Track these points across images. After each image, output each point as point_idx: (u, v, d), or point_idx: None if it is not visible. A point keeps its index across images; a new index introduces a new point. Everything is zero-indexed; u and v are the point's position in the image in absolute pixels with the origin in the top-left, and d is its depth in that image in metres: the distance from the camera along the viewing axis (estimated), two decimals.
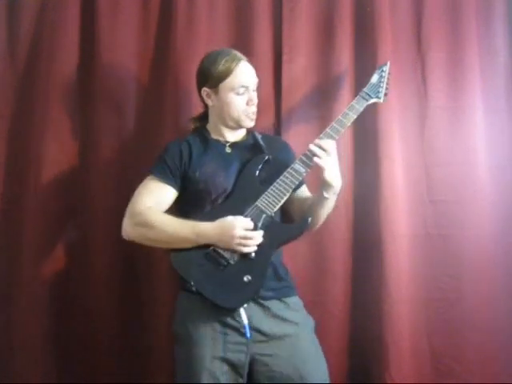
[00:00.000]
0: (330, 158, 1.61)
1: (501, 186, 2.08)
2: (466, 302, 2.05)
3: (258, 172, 1.67)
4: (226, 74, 1.66)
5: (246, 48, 2.03)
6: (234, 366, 1.60)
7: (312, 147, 1.61)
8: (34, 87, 2.10)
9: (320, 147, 1.61)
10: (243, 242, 1.56)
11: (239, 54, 1.71)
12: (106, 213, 2.03)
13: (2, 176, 2.10)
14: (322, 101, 2.06)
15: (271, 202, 1.61)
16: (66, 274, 2.08)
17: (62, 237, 2.09)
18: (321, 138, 1.65)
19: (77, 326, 2.07)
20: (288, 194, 1.63)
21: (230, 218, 1.58)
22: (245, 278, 1.57)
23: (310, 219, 1.63)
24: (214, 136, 1.76)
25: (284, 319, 1.64)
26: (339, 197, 2.00)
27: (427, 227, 2.07)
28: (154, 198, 1.66)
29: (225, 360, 1.59)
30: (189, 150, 1.71)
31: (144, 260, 2.05)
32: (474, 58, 2.07)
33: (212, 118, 1.77)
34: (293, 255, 2.01)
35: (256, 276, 1.57)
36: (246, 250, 1.56)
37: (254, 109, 1.72)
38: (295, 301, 1.71)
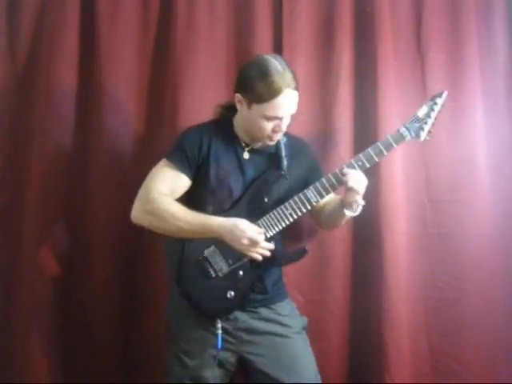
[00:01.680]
0: (364, 186, 1.58)
1: (500, 186, 2.08)
2: (466, 301, 2.05)
3: (268, 190, 1.63)
4: (266, 98, 1.53)
5: (246, 48, 2.03)
6: (220, 363, 1.61)
7: (350, 183, 1.55)
8: (34, 87, 2.09)
9: (356, 180, 1.56)
10: (251, 244, 1.54)
11: (289, 79, 1.55)
12: (105, 212, 2.03)
13: (2, 176, 2.10)
14: (323, 101, 2.05)
15: (272, 224, 1.59)
16: (66, 273, 2.08)
17: (62, 236, 2.09)
18: (348, 167, 1.59)
19: (77, 326, 2.07)
20: (292, 220, 1.60)
21: (244, 224, 1.55)
22: (228, 295, 1.58)
23: (307, 250, 1.61)
24: (237, 132, 1.69)
25: (272, 320, 1.64)
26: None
27: (427, 226, 2.08)
28: (169, 186, 1.62)
29: (212, 357, 1.60)
30: (208, 142, 1.64)
31: (144, 259, 2.06)
32: (474, 57, 2.08)
33: (239, 117, 1.68)
34: None
35: (239, 293, 1.58)
36: (251, 255, 1.55)
37: (279, 136, 1.63)
38: (283, 305, 1.70)
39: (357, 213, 1.63)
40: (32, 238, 2.05)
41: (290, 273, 1.99)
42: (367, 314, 2.04)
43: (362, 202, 1.60)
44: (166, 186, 1.62)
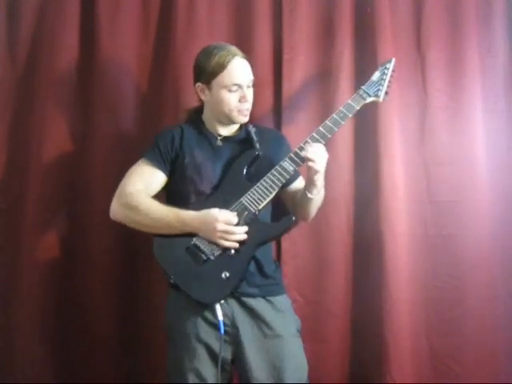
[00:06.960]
0: (324, 160, 1.61)
1: (500, 186, 2.08)
2: (466, 301, 2.05)
3: (246, 168, 1.67)
4: (219, 70, 1.63)
5: (246, 48, 2.02)
6: (218, 363, 1.60)
7: (308, 154, 1.59)
8: (34, 87, 2.10)
9: (314, 152, 1.59)
10: (224, 236, 1.56)
11: (234, 49, 1.67)
12: (105, 211, 2.02)
13: (2, 175, 2.10)
14: (323, 100, 2.06)
15: (256, 199, 1.61)
16: (66, 273, 2.08)
17: (62, 235, 2.09)
18: (313, 137, 1.64)
19: (77, 326, 2.07)
20: (274, 192, 1.63)
21: (214, 211, 1.58)
22: (222, 275, 1.58)
23: (293, 218, 1.62)
24: (207, 127, 1.76)
25: (266, 322, 1.63)
26: (339, 196, 2.02)
27: (427, 227, 2.07)
28: (144, 182, 1.68)
29: (210, 357, 1.60)
30: (181, 135, 1.72)
31: (144, 258, 2.05)
32: (473, 57, 2.07)
33: (206, 111, 1.77)
34: (293, 255, 2.02)
35: (234, 273, 1.58)
36: (226, 244, 1.57)
37: (247, 105, 1.69)
38: (281, 300, 1.70)
39: (317, 196, 1.66)
40: (32, 237, 2.06)
41: (290, 273, 1.99)
42: (367, 314, 2.04)
43: (321, 181, 1.64)
44: (142, 181, 1.68)
